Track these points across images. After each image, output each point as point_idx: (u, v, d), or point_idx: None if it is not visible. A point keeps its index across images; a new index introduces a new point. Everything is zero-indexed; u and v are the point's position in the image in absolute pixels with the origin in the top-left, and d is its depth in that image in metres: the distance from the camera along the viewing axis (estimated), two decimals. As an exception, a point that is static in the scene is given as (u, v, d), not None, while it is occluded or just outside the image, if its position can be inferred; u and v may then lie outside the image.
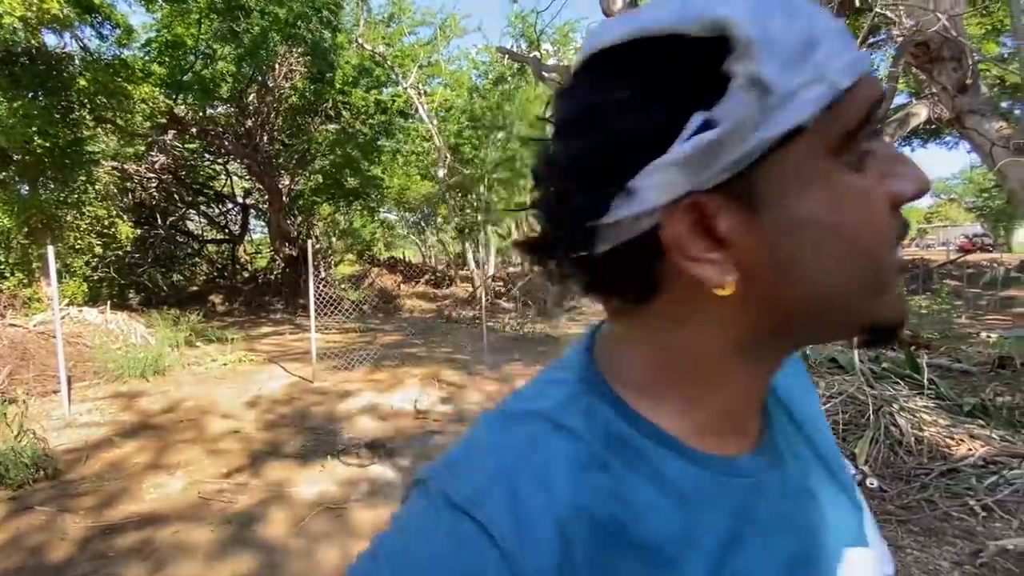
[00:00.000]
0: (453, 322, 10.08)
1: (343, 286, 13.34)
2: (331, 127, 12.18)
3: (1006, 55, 9.32)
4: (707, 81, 0.24)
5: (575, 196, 0.28)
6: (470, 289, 14.73)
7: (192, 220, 14.84)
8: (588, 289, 0.31)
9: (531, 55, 11.30)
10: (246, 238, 14.77)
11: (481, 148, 14.90)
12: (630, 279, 0.29)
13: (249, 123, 10.78)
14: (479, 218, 15.05)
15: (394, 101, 12.66)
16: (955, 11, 3.14)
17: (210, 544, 2.43)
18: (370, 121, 12.47)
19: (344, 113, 11.85)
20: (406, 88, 12.93)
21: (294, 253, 11.84)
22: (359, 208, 15.61)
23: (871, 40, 4.89)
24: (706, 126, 0.24)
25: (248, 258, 14.47)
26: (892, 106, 5.69)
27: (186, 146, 11.83)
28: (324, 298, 6.38)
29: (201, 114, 10.73)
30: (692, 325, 0.29)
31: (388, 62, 12.82)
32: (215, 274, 13.49)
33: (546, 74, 7.40)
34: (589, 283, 0.31)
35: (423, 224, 19.77)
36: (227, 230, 14.32)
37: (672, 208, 0.26)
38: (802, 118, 0.24)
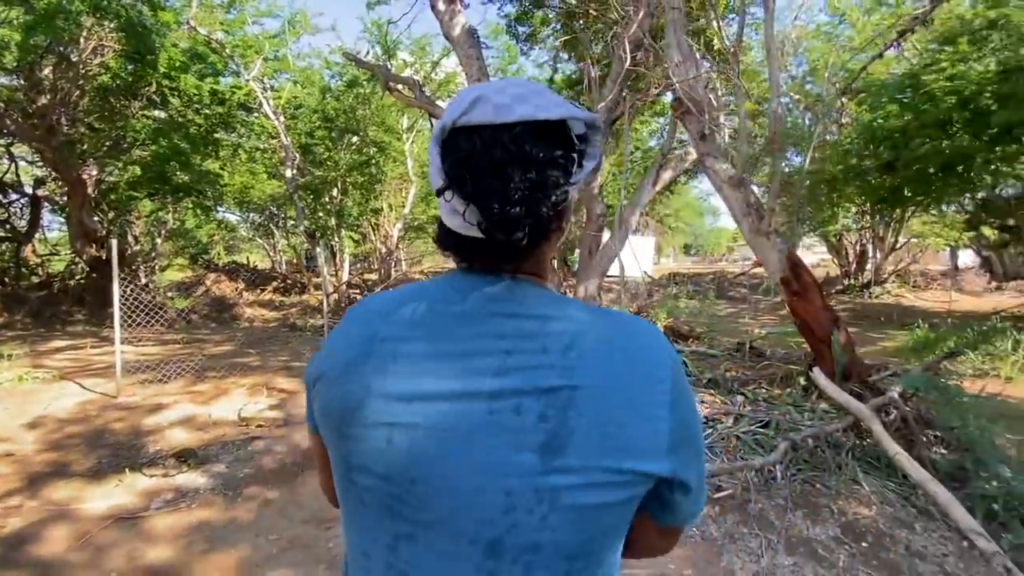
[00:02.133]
0: (297, 331, 9.66)
1: (170, 293, 11.90)
2: (156, 114, 10.85)
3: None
4: (588, 140, 0.57)
5: (557, 179, 0.53)
6: (322, 296, 14.13)
7: (-43, 212, 11.97)
8: (527, 253, 0.56)
9: (384, 63, 11.38)
10: (37, 236, 12.36)
11: (335, 150, 14.45)
12: (553, 231, 0.57)
13: (44, 100, 9.15)
14: (332, 222, 14.55)
15: (234, 93, 11.69)
16: (690, 78, 4.12)
17: (-35, 572, 2.21)
18: (205, 111, 11.35)
19: (172, 100, 10.63)
20: (248, 80, 12.07)
21: (102, 255, 10.29)
22: (191, 206, 14.05)
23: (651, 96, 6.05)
24: (588, 163, 0.57)
25: (40, 260, 12.11)
26: (677, 147, 6.96)
27: (-52, 120, 9.59)
28: (140, 306, 5.75)
29: (-28, 84, 8.84)
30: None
31: (227, 51, 11.86)
32: (-10, 279, 11.05)
33: (393, 85, 7.59)
34: (533, 244, 0.54)
35: (270, 226, 18.39)
36: (9, 226, 11.84)
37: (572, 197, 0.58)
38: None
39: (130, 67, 9.66)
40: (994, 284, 15.99)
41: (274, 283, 16.14)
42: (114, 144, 10.55)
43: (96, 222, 10.75)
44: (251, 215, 19.78)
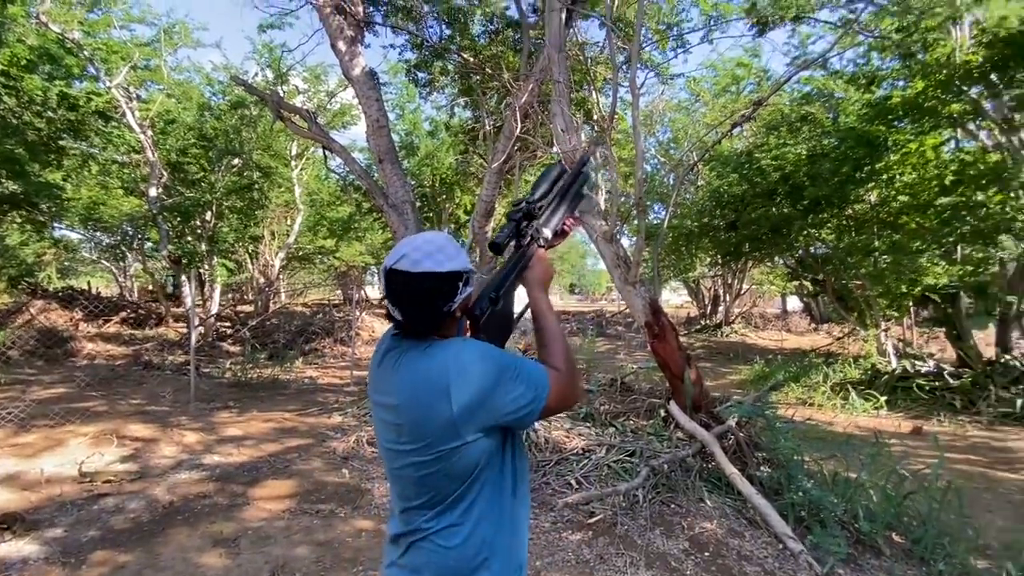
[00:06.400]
0: (155, 369, 8.58)
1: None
2: (-20, 113, 9.27)
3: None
4: (465, 281, 0.96)
5: (441, 303, 0.94)
6: (185, 330, 12.67)
7: None
8: (431, 332, 0.96)
9: (274, 89, 10.96)
10: None
11: (211, 171, 13.38)
12: (445, 320, 0.96)
13: None
14: (203, 247, 13.29)
15: (90, 99, 10.40)
16: (573, 146, 4.66)
17: None
18: (48, 115, 9.94)
19: (6, 99, 9.18)
20: (109, 87, 10.85)
21: None
22: (19, 220, 11.99)
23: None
24: (465, 290, 0.97)
25: None
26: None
27: None
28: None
29: None
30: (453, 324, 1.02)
31: (86, 53, 10.61)
32: None
33: (286, 114, 7.34)
34: (433, 328, 0.96)
35: (123, 249, 16.21)
36: None
37: (462, 301, 0.98)
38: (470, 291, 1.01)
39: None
40: (813, 325, 19.25)
41: (123, 313, 14.17)
42: (-83, 144, 8.79)
43: None
44: (99, 235, 17.23)
